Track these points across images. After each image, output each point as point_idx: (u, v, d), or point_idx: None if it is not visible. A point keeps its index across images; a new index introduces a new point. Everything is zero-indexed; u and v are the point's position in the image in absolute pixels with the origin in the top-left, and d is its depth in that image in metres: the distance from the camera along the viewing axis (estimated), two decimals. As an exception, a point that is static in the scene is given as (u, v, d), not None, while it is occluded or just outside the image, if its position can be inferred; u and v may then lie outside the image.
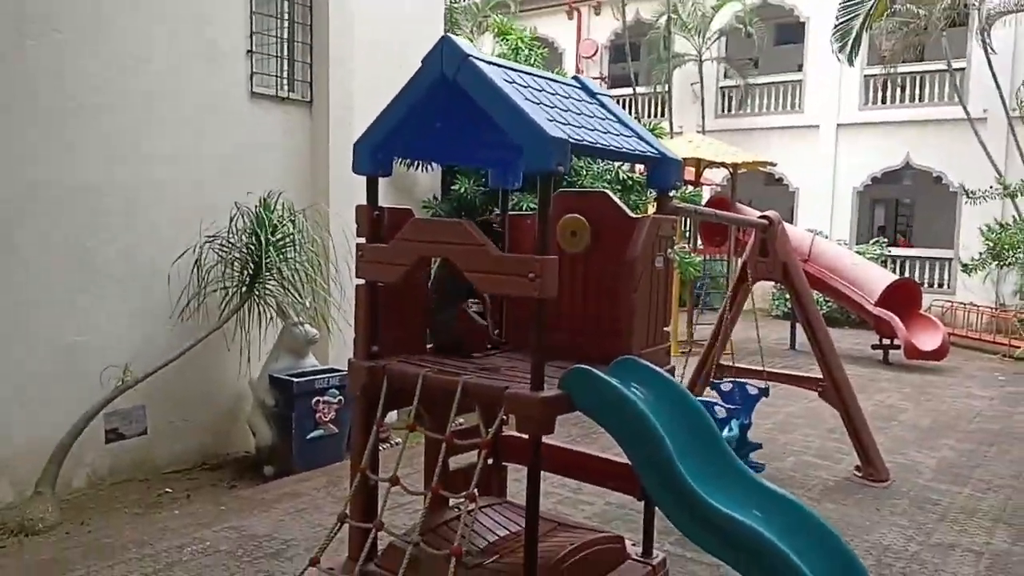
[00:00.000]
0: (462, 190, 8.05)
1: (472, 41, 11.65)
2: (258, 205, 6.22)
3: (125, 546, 4.82)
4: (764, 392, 6.03)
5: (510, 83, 3.46)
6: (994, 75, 15.12)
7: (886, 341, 12.57)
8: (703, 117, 19.74)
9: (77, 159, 5.67)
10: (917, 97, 17.77)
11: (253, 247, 6.06)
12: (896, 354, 12.36)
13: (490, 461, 4.63)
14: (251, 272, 6.09)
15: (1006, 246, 13.15)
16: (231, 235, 6.14)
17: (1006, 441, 8.00)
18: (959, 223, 16.98)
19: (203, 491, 5.97)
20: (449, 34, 3.73)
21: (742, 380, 6.20)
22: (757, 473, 5.71)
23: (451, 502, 4.26)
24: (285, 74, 7.23)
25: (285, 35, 7.19)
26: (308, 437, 6.26)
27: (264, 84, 6.96)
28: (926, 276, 17.35)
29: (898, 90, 17.98)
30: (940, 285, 17.23)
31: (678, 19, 19.22)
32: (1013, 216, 14.61)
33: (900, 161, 17.82)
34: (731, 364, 6.87)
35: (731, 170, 13.84)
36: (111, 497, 5.78)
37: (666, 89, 19.99)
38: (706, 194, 16.27)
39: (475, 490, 3.47)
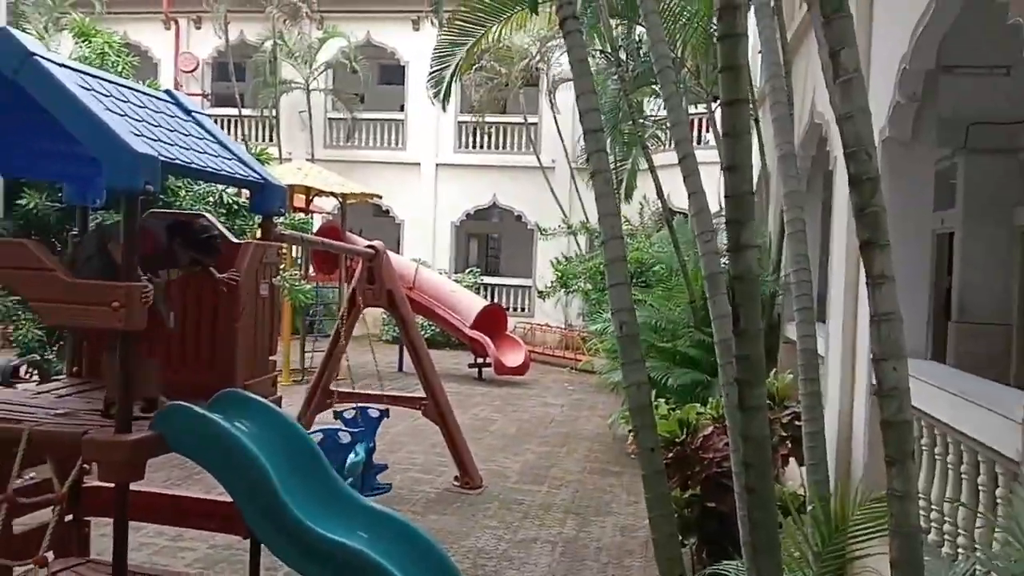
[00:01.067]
0: (31, 206, 6.92)
1: (43, 39, 10.17)
2: None
3: None
4: (384, 414, 6.25)
5: (87, 90, 3.11)
6: (559, 131, 17.81)
7: (480, 360, 13.91)
8: (312, 146, 19.84)
9: None
10: (502, 144, 20.11)
11: None
12: (488, 371, 13.74)
13: (68, 517, 4.06)
14: None
15: (570, 276, 15.53)
16: None
17: (574, 441, 9.37)
18: (535, 256, 19.54)
19: None
20: (8, 26, 3.22)
21: (364, 405, 6.34)
22: (384, 493, 5.92)
23: (21, 570, 3.62)
24: None
25: None
26: None
27: None
28: (511, 301, 19.60)
29: (486, 137, 20.15)
30: (522, 309, 19.60)
31: (284, 45, 19.10)
32: (575, 251, 17.30)
33: (489, 200, 19.95)
34: (348, 389, 6.98)
35: (340, 200, 14.11)
36: None
37: (273, 114, 19.68)
38: (317, 222, 16.34)
39: (47, 554, 3.00)
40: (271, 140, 19.82)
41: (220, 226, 3.96)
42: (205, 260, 3.52)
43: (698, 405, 5.71)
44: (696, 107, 12.51)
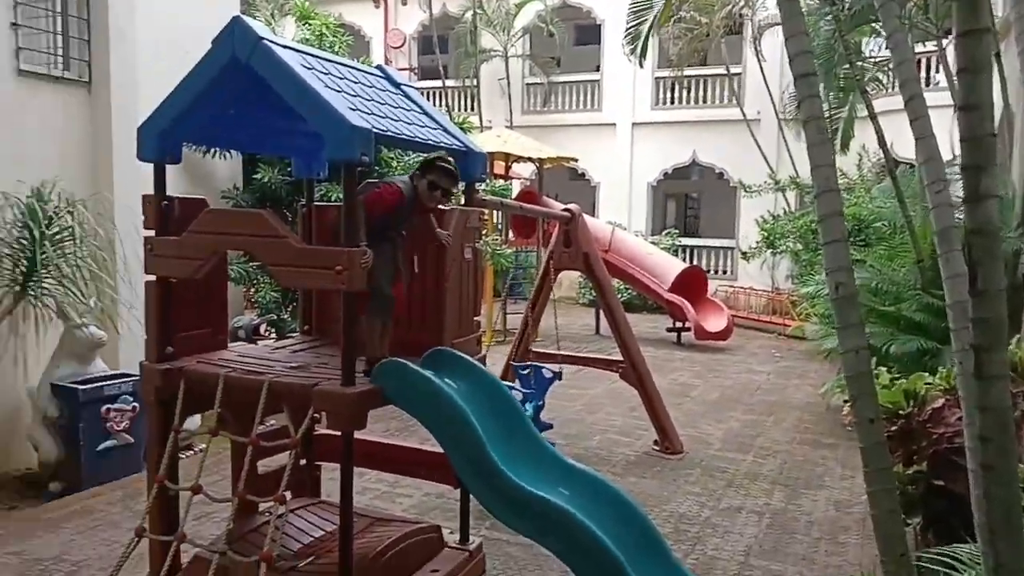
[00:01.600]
0: (265, 179, 7.68)
1: (271, 24, 11.14)
2: (30, 195, 5.58)
3: None
4: (557, 376, 6.32)
5: (309, 69, 3.35)
6: (765, 80, 16.77)
7: (678, 324, 13.61)
8: (511, 112, 20.24)
9: None
10: (701, 99, 19.30)
11: (25, 242, 5.43)
12: (687, 336, 13.42)
13: (302, 462, 4.50)
14: (24, 270, 5.46)
15: (777, 235, 14.68)
16: (-1, 229, 5.46)
17: (782, 411, 8.94)
18: (739, 215, 18.69)
19: (-26, 516, 5.30)
20: (242, 15, 3.53)
21: (538, 364, 6.45)
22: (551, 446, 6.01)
23: (262, 507, 4.08)
24: (60, 51, 6.53)
25: (58, 8, 6.49)
26: (99, 449, 5.73)
27: (33, 61, 6.25)
28: (712, 263, 18.94)
29: (685, 92, 19.44)
30: (724, 272, 18.88)
31: (484, 15, 19.54)
32: (783, 209, 16.32)
33: (688, 158, 19.29)
34: (535, 350, 7.11)
35: (538, 165, 14.31)
36: None
37: (475, 83, 20.29)
38: (516, 187, 16.73)
39: (285, 493, 3.35)
40: (472, 109, 20.46)
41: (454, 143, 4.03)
42: (442, 181, 3.60)
43: (926, 375, 5.21)
44: (924, 45, 11.25)
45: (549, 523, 3.18)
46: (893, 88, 14.19)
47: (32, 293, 5.49)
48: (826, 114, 9.05)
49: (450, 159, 3.64)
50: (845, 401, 8.30)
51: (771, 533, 5.39)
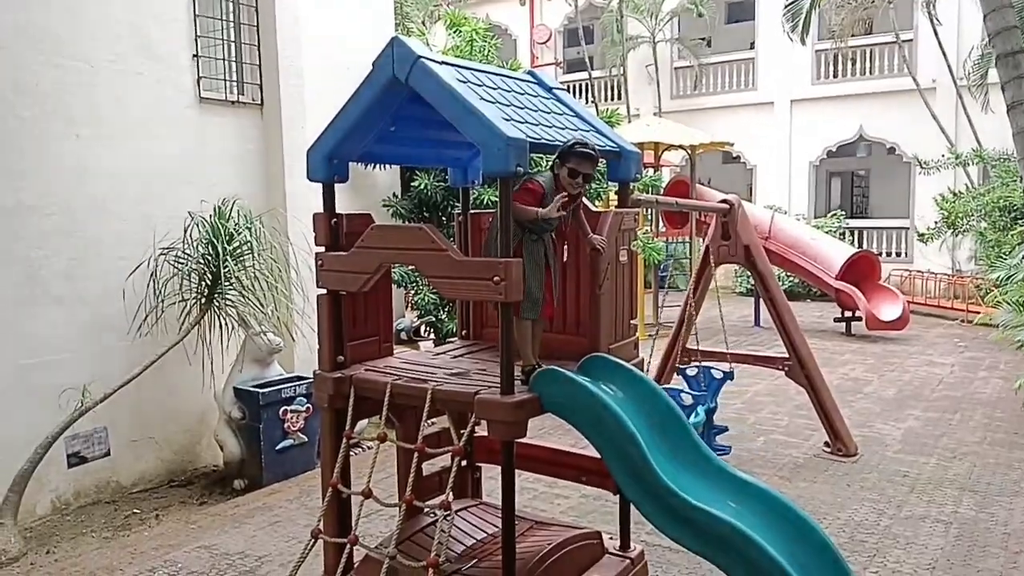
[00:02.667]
0: (422, 187, 7.95)
1: (423, 33, 11.49)
2: (212, 213, 6.08)
3: (94, 573, 4.70)
4: (729, 376, 6.07)
5: (464, 83, 3.39)
6: (941, 46, 15.38)
7: (848, 313, 12.77)
8: (659, 99, 19.80)
9: (14, 177, 5.48)
10: (868, 70, 18.00)
11: (210, 257, 5.93)
12: (858, 325, 12.56)
13: (463, 464, 4.61)
14: (209, 282, 5.96)
15: (959, 214, 13.40)
16: (186, 246, 5.99)
17: (968, 407, 8.18)
18: (913, 193, 17.28)
19: (172, 510, 5.86)
20: (399, 35, 3.63)
21: (707, 364, 6.23)
22: (723, 455, 5.81)
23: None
24: (234, 77, 7.06)
25: (231, 37, 7.01)
26: (277, 448, 6.16)
27: (212, 88, 6.79)
28: (884, 246, 17.64)
29: (849, 63, 18.19)
30: (898, 254, 17.55)
31: (630, 1, 19.20)
32: (965, 184, 14.89)
33: (854, 134, 18.07)
34: (696, 348, 6.88)
35: (689, 151, 13.90)
36: (77, 522, 5.64)
37: (621, 72, 20.01)
38: (666, 175, 16.34)
39: (449, 498, 3.43)
40: (619, 98, 20.22)
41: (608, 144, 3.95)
42: (582, 167, 3.52)
43: None
44: None
45: (716, 538, 3.06)
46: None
47: (216, 304, 5.98)
48: None
49: (585, 142, 3.56)
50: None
51: (960, 545, 4.93)
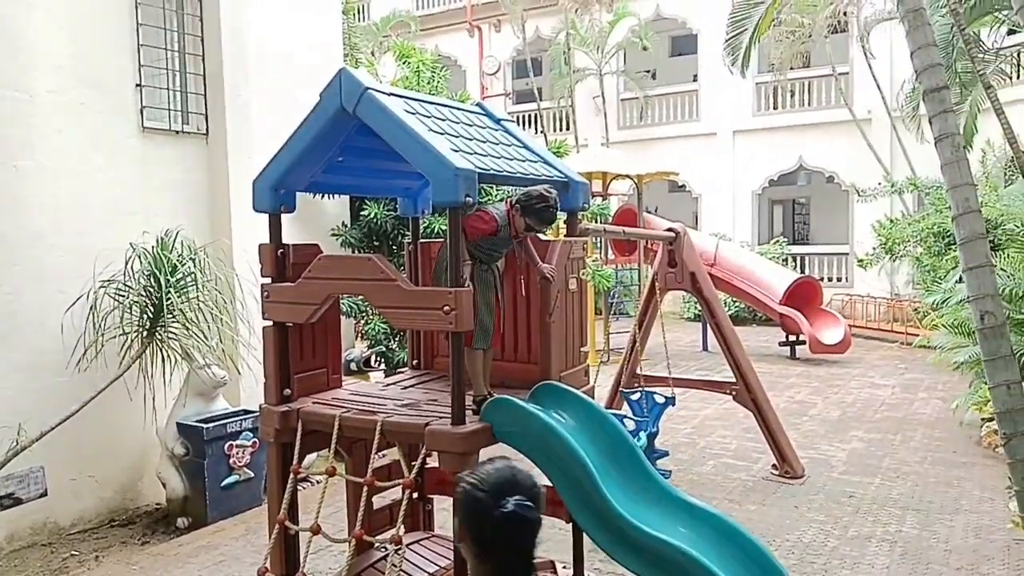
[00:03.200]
0: (372, 215, 7.91)
1: (372, 64, 11.51)
2: (155, 245, 5.94)
3: (27, 621, 4.49)
4: (671, 400, 6.14)
5: (412, 114, 3.42)
6: (875, 78, 16.02)
7: (792, 337, 13.07)
8: (607, 129, 20.14)
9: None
10: (806, 101, 18.63)
11: (152, 289, 5.79)
12: (802, 349, 12.86)
13: (415, 496, 4.55)
14: (151, 315, 5.81)
15: (896, 240, 13.87)
16: (127, 278, 5.84)
17: (910, 428, 8.41)
18: (852, 220, 17.84)
19: (113, 551, 5.64)
20: (347, 67, 3.64)
21: (650, 389, 6.29)
22: (666, 479, 5.84)
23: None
24: (179, 107, 6.96)
25: (176, 67, 6.92)
26: (223, 484, 6.00)
27: (156, 118, 6.68)
28: (825, 271, 18.15)
29: (788, 95, 18.81)
30: (839, 279, 18.05)
31: (577, 35, 19.57)
32: (901, 211, 15.45)
33: (794, 163, 18.63)
34: (640, 374, 6.95)
35: (636, 181, 14.15)
36: (10, 567, 5.38)
37: (569, 103, 20.33)
38: (614, 205, 16.57)
39: (400, 532, 3.38)
40: (567, 128, 20.51)
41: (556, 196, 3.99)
42: (540, 227, 3.61)
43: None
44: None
45: (668, 564, 3.07)
46: (1019, 77, 13.25)
47: (159, 337, 5.83)
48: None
49: (553, 196, 3.61)
50: (983, 419, 7.73)
51: (904, 563, 5.05)
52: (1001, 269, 7.93)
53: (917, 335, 12.77)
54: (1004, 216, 9.81)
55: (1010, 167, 11.99)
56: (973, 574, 4.87)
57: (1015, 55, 10.79)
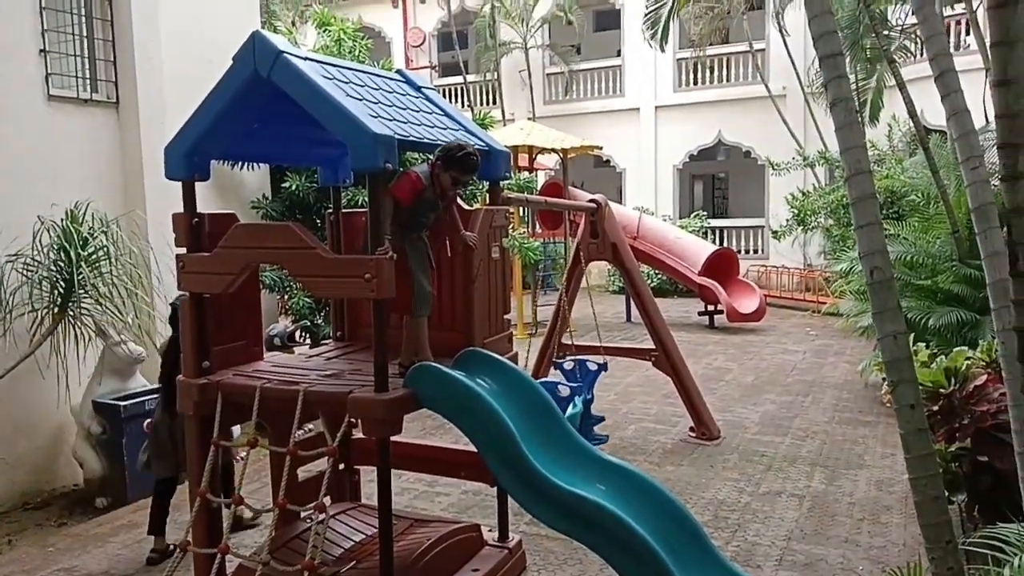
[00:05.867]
0: (293, 187, 7.76)
1: (292, 33, 11.22)
2: (64, 217, 5.71)
3: (-67, 609, 4.33)
4: (603, 367, 6.29)
5: (329, 79, 3.38)
6: (790, 55, 16.51)
7: (710, 307, 13.51)
8: (533, 103, 20.18)
9: None
10: (725, 78, 19.06)
11: (62, 263, 5.56)
12: (720, 318, 13.30)
13: (341, 467, 4.57)
14: (62, 291, 5.59)
15: (808, 212, 14.46)
16: (36, 252, 5.59)
17: (819, 390, 8.84)
18: (768, 193, 18.45)
19: (27, 533, 5.45)
20: (261, 30, 3.57)
21: (582, 357, 6.43)
22: (600, 444, 6.02)
23: (303, 513, 4.16)
24: (87, 74, 6.66)
25: (84, 32, 6.61)
26: (142, 463, 5.86)
27: (63, 85, 6.38)
28: (742, 244, 18.73)
29: (708, 71, 19.21)
30: (755, 251, 18.67)
31: (502, 7, 19.48)
32: (813, 184, 16.07)
33: (713, 138, 19.08)
34: (571, 343, 7.10)
35: (562, 155, 14.27)
36: (-87, 555, 5.15)
37: (495, 77, 20.26)
38: (540, 179, 16.68)
39: (325, 500, 3.40)
40: (494, 103, 20.46)
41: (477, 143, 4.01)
42: (464, 176, 3.64)
43: (966, 349, 5.12)
44: (952, 8, 10.98)
45: (586, 520, 3.19)
46: (922, 55, 13.88)
47: (71, 313, 5.62)
48: (853, 87, 8.87)
49: (471, 147, 3.64)
50: (884, 379, 8.19)
51: (812, 516, 5.34)
52: (904, 238, 8.41)
53: (827, 303, 13.36)
54: (906, 187, 10.35)
55: (913, 141, 12.61)
56: (874, 524, 5.20)
57: (917, 33, 11.29)
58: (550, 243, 15.05)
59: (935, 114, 10.80)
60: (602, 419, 6.25)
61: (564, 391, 5.71)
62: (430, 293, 3.68)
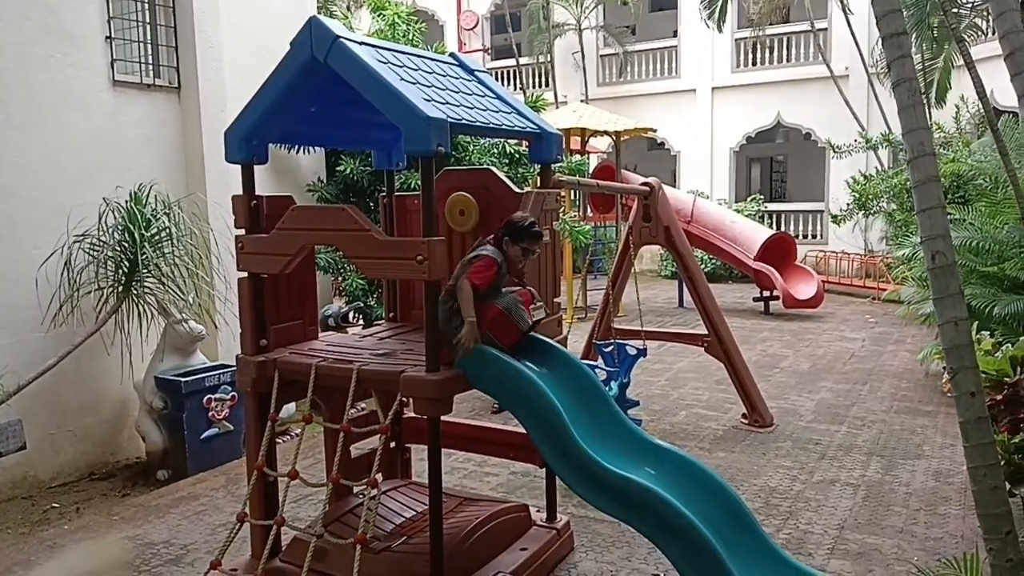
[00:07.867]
0: (348, 171, 7.87)
1: (348, 17, 11.32)
2: (129, 199, 5.91)
3: (10, 569, 4.56)
4: (642, 352, 6.25)
5: (384, 63, 3.42)
6: (853, 34, 16.00)
7: (766, 293, 13.26)
8: (586, 86, 20.01)
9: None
10: (784, 58, 18.58)
11: (126, 244, 5.76)
12: (776, 304, 13.06)
13: (392, 445, 4.65)
14: (126, 270, 5.80)
15: (870, 196, 14.03)
16: (101, 233, 5.81)
17: (877, 379, 8.63)
18: (828, 177, 17.97)
19: (93, 503, 5.71)
20: (318, 15, 3.62)
21: (622, 341, 6.40)
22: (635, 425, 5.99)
23: (356, 489, 4.25)
24: (150, 60, 6.85)
25: (147, 19, 6.79)
26: (202, 437, 6.06)
27: (127, 71, 6.58)
28: (800, 228, 18.32)
29: (767, 52, 18.75)
30: (814, 236, 18.24)
31: (555, -12, 19.33)
32: (876, 168, 15.58)
33: (772, 120, 18.65)
34: (617, 327, 7.06)
35: (615, 138, 14.14)
36: (-9, 520, 5.44)
37: (548, 59, 20.13)
38: (592, 162, 16.57)
39: (377, 476, 3.47)
40: (546, 85, 20.34)
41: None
42: (534, 246, 3.62)
43: (1033, 339, 4.95)
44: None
45: (634, 502, 3.19)
46: (992, 34, 13.31)
47: (135, 292, 5.83)
48: (919, 67, 8.57)
49: (534, 220, 3.61)
50: (945, 368, 7.96)
51: (867, 506, 5.24)
52: (969, 223, 8.11)
53: (887, 290, 12.99)
54: (973, 171, 9.97)
55: (982, 123, 12.13)
56: (931, 514, 5.07)
57: (987, 11, 10.83)
58: (601, 227, 14.95)
59: (1005, 95, 10.37)
60: (637, 403, 6.23)
61: (601, 374, 5.71)
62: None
